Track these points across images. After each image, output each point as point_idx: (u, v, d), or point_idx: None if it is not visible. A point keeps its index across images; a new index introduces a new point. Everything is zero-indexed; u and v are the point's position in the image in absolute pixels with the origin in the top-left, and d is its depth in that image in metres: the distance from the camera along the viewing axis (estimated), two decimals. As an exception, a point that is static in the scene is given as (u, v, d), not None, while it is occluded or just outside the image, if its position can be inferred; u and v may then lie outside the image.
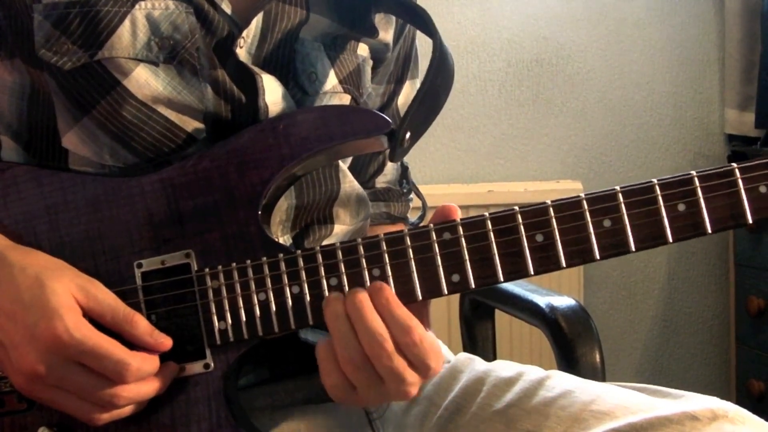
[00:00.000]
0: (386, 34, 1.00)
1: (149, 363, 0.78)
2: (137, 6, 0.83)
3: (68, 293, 0.76)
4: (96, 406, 0.77)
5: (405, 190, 1.11)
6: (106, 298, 0.78)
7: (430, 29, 0.89)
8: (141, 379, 0.77)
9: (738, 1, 2.37)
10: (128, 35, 0.83)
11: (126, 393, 0.76)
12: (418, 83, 1.09)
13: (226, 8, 0.87)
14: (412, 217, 1.12)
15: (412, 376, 0.77)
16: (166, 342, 0.79)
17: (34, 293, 0.75)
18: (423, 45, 0.97)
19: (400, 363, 0.76)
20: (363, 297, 0.77)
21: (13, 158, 0.87)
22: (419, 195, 1.09)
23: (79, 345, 0.74)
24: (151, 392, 0.78)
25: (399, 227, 0.99)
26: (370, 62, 1.00)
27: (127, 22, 0.83)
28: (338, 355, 0.77)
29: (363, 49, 0.98)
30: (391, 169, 1.10)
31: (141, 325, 0.78)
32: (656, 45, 2.45)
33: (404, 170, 1.10)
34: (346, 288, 0.79)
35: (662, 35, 2.45)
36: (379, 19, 0.99)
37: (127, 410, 0.78)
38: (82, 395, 0.76)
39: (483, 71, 2.36)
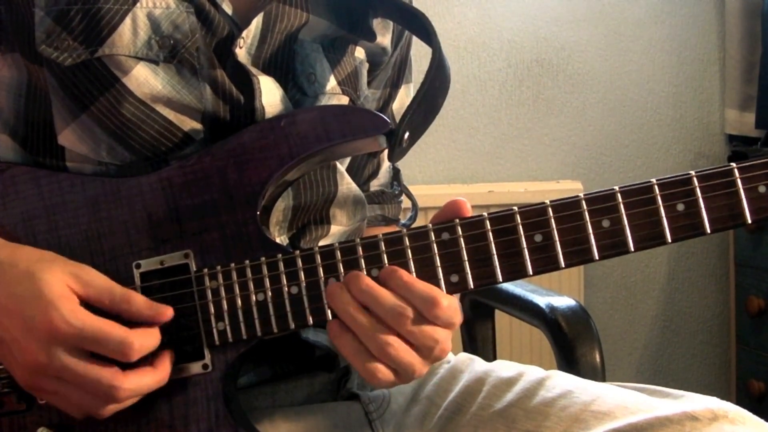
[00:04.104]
0: (384, 39, 1.01)
1: (151, 338, 0.78)
2: (138, 4, 0.83)
3: (61, 282, 0.76)
4: (98, 398, 0.77)
5: (396, 192, 1.11)
6: (99, 281, 0.78)
7: (428, 34, 0.89)
8: (145, 353, 0.77)
9: (738, 1, 2.37)
10: (129, 33, 0.83)
11: (126, 384, 0.76)
12: (411, 88, 1.09)
13: (227, 8, 0.87)
14: (402, 218, 1.13)
15: (442, 334, 0.78)
16: (166, 312, 0.79)
17: (27, 287, 0.76)
18: (419, 47, 0.97)
19: (427, 327, 0.77)
20: (368, 281, 0.77)
21: (10, 155, 0.87)
22: (410, 196, 1.10)
23: (78, 332, 0.75)
24: (152, 383, 0.78)
25: (393, 229, 0.99)
26: (367, 65, 1.00)
27: (128, 20, 0.83)
28: (366, 344, 0.77)
29: (360, 52, 0.98)
30: (384, 172, 1.10)
31: (138, 300, 0.78)
32: (656, 45, 2.45)
33: (396, 173, 1.11)
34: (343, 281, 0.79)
35: (662, 35, 2.45)
36: (376, 23, 0.99)
37: (128, 403, 0.78)
38: (83, 387, 0.76)
39: (483, 71, 2.36)
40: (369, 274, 0.79)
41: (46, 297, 0.75)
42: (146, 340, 0.77)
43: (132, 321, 0.78)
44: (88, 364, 0.76)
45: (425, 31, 0.90)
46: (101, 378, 0.76)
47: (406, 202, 1.13)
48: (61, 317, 0.74)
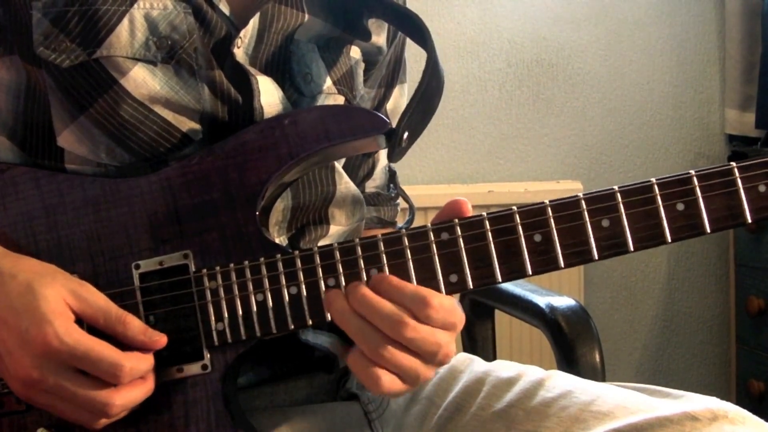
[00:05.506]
0: (379, 38, 1.00)
1: (144, 362, 0.78)
2: (136, 5, 0.83)
3: (59, 299, 0.76)
4: (90, 414, 0.77)
5: (393, 195, 1.11)
6: (97, 300, 0.78)
7: (423, 36, 0.89)
8: (136, 376, 0.77)
9: (738, 1, 2.37)
10: (126, 34, 0.83)
11: (119, 400, 0.76)
12: (405, 88, 1.09)
13: (224, 9, 0.87)
14: (400, 222, 1.13)
15: (443, 337, 0.77)
16: (160, 340, 0.79)
17: (25, 300, 0.76)
18: (414, 47, 0.97)
19: (425, 330, 0.76)
20: (365, 290, 0.77)
21: (9, 157, 0.87)
22: (407, 199, 1.10)
23: (70, 350, 0.75)
24: (142, 396, 0.78)
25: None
26: (362, 65, 1.00)
27: (125, 22, 0.83)
28: (364, 351, 0.77)
29: (355, 52, 0.98)
30: (380, 173, 1.10)
31: (134, 325, 0.78)
32: (656, 45, 2.45)
33: (392, 175, 1.11)
34: (344, 289, 0.79)
35: (662, 35, 2.45)
36: (371, 22, 0.99)
37: (121, 416, 0.78)
38: (76, 403, 0.76)
39: (483, 71, 2.36)
40: (368, 274, 0.79)
41: (42, 312, 0.75)
42: (138, 363, 0.77)
43: (126, 344, 0.78)
44: (79, 382, 0.76)
45: (420, 32, 0.90)
46: (93, 396, 0.76)
47: (403, 204, 1.13)
48: (55, 333, 0.74)
